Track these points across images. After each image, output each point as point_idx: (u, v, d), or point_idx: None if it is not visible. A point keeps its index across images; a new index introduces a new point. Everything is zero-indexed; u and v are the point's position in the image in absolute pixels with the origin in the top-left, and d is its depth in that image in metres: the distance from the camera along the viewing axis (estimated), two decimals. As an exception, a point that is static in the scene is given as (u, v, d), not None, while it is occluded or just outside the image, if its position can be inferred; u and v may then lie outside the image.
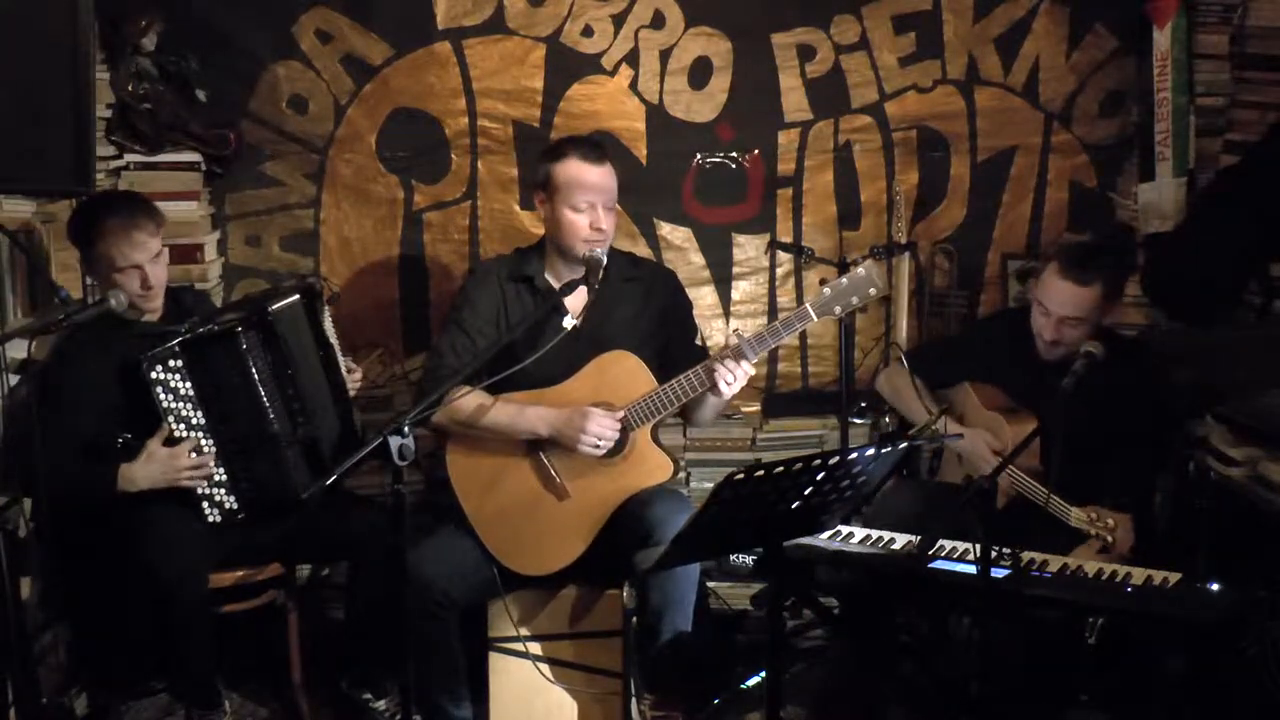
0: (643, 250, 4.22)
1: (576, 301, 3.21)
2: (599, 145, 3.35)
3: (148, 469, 3.16)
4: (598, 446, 3.12)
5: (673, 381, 3.12)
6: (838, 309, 3.06)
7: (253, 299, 3.64)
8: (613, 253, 3.35)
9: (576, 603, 3.30)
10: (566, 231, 3.25)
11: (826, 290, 3.07)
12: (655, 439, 3.22)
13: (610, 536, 3.16)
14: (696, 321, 3.60)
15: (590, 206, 3.21)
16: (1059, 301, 3.25)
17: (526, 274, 3.34)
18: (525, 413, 3.18)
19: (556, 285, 3.25)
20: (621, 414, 3.14)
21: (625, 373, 3.19)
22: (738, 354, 3.05)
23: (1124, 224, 4.24)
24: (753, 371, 3.09)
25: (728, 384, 3.06)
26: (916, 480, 3.66)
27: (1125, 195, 4.25)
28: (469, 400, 3.13)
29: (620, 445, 3.17)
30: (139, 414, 3.19)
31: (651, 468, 3.20)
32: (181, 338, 3.19)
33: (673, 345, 3.32)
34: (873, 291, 3.05)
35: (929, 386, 3.53)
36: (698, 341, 3.40)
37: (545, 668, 3.29)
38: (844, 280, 3.06)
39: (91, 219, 3.21)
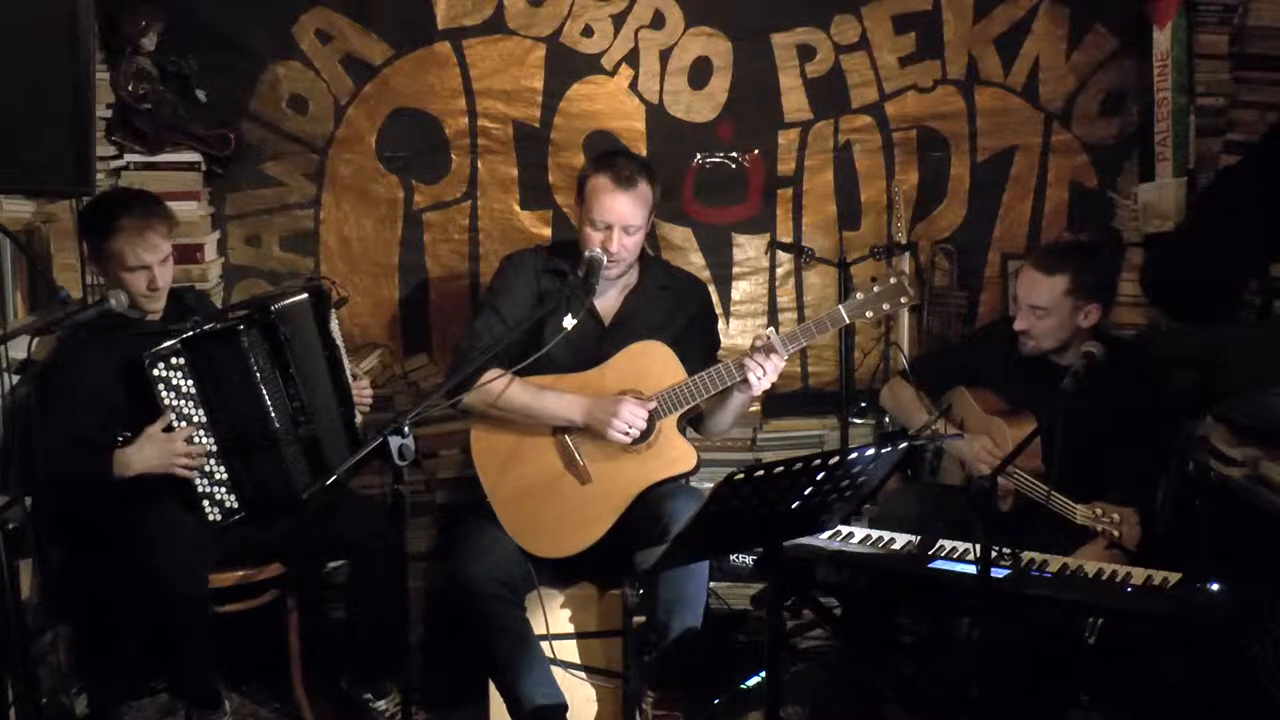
0: (642, 250, 4.23)
1: (606, 301, 3.30)
2: (638, 169, 3.30)
3: (142, 452, 3.14)
4: (627, 434, 3.15)
5: (703, 373, 3.17)
6: (869, 313, 3.15)
7: (259, 298, 3.65)
8: (651, 259, 3.44)
9: (579, 602, 3.31)
10: (581, 241, 3.29)
11: (859, 295, 3.15)
12: (681, 431, 3.24)
13: (626, 531, 3.17)
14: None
15: (606, 228, 3.23)
16: (1026, 289, 3.33)
17: (560, 269, 3.37)
18: (560, 399, 3.21)
19: None
20: (653, 403, 3.17)
21: (656, 362, 3.24)
22: (769, 349, 3.07)
23: (1112, 229, 4.25)
24: (783, 366, 3.13)
25: (758, 378, 3.11)
26: (921, 482, 3.67)
27: (1125, 195, 4.25)
28: (502, 384, 3.16)
29: (647, 433, 3.21)
30: (140, 413, 3.18)
31: (675, 457, 3.23)
32: (184, 335, 3.20)
33: (692, 355, 3.32)
34: (904, 300, 3.16)
35: (930, 395, 3.55)
36: (719, 355, 3.41)
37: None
38: (877, 286, 3.15)
39: (107, 215, 3.21)
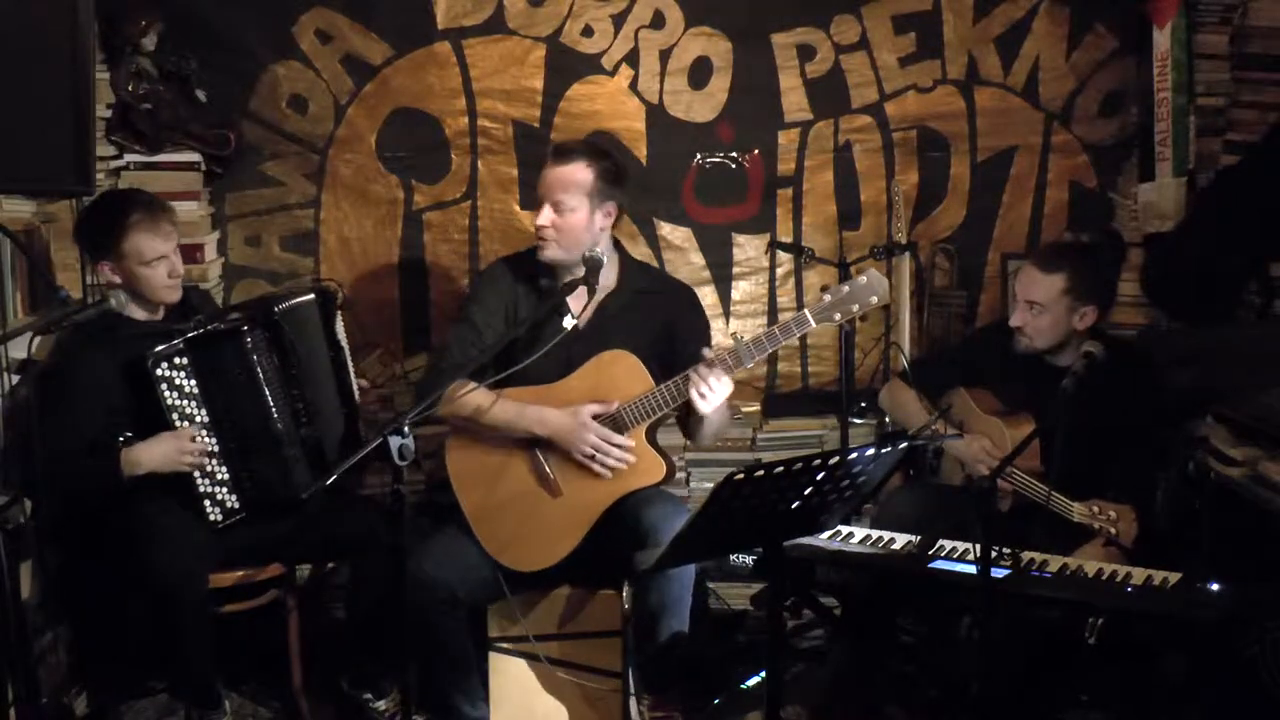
0: (643, 250, 4.23)
1: (579, 302, 3.22)
2: (580, 149, 3.29)
3: (151, 450, 3.15)
4: (593, 459, 3.13)
5: (665, 384, 3.12)
6: (837, 316, 3.00)
7: (264, 298, 3.65)
8: (630, 262, 3.38)
9: (576, 604, 3.30)
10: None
11: (827, 296, 3.02)
12: (652, 441, 3.22)
13: (607, 538, 3.16)
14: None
15: (541, 201, 3.24)
16: (1024, 285, 3.34)
17: (532, 273, 3.35)
18: (526, 412, 3.18)
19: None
20: (615, 408, 3.14)
21: (623, 371, 3.19)
22: (713, 366, 3.02)
23: (1113, 230, 4.26)
24: (730, 387, 3.06)
25: (701, 395, 3.02)
26: (921, 482, 3.67)
27: (1125, 195, 4.25)
28: (472, 397, 3.14)
29: None
30: (142, 413, 3.18)
31: (645, 468, 3.19)
32: (187, 335, 3.20)
33: (678, 361, 3.21)
34: (874, 300, 2.99)
35: (930, 396, 3.55)
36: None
37: (545, 668, 3.29)
38: (845, 287, 3.00)
39: (116, 215, 3.21)
